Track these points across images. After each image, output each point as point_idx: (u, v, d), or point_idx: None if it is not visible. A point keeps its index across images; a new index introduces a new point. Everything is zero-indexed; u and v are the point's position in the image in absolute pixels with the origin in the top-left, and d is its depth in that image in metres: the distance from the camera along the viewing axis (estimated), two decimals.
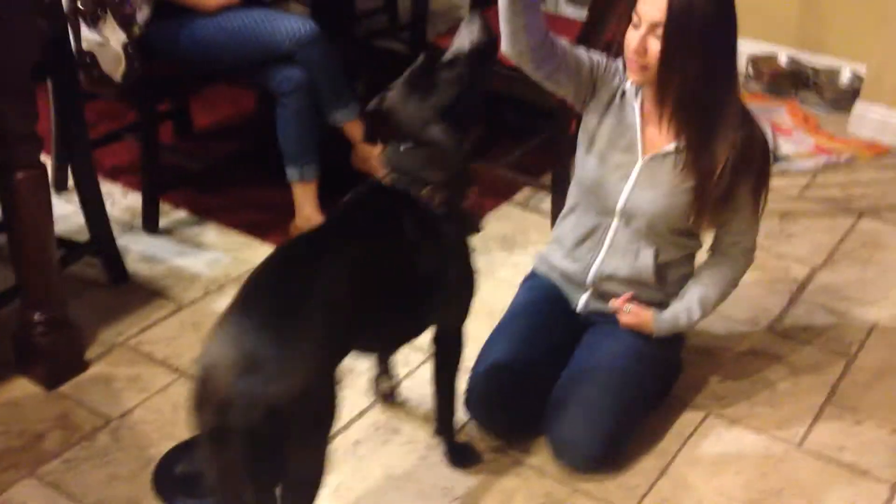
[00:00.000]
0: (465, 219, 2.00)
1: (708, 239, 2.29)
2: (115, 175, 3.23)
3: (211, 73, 2.86)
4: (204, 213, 3.08)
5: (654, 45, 2.01)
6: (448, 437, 2.19)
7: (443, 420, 2.17)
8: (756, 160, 2.11)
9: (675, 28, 1.98)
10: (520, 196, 3.24)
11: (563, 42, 2.13)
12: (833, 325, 2.72)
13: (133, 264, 2.81)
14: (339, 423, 2.25)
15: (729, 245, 2.24)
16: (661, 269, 2.22)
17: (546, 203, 3.10)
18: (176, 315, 2.64)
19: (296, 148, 2.82)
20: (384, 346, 2.04)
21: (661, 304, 2.26)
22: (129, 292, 2.71)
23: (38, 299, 2.32)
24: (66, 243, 2.68)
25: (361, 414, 2.33)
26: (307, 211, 2.89)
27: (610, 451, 2.17)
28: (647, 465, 2.22)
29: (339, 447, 2.21)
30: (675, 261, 2.24)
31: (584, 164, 2.22)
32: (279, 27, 2.72)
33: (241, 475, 1.61)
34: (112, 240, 2.71)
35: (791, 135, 3.68)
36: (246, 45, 2.72)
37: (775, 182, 3.41)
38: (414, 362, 2.48)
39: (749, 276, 2.89)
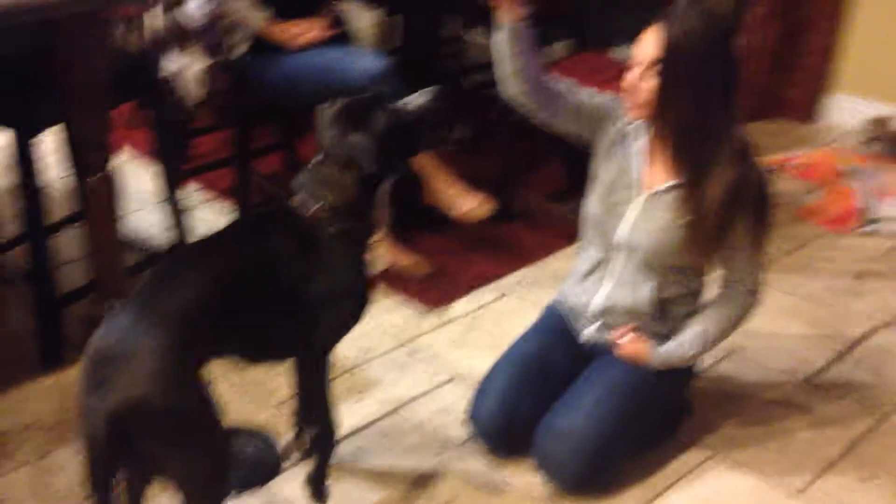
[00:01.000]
0: (357, 244, 2.01)
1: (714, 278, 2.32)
2: (224, 195, 3.58)
3: (295, 106, 3.13)
4: None
5: (648, 83, 2.09)
6: (317, 469, 2.17)
7: (313, 443, 2.16)
8: (751, 199, 2.13)
9: (666, 65, 2.05)
10: None
11: (563, 85, 2.25)
12: (873, 385, 2.64)
13: None
14: (348, 429, 2.43)
15: (731, 284, 2.25)
16: (661, 304, 2.26)
17: None
18: None
19: None
20: (257, 356, 2.04)
21: (664, 340, 2.29)
22: None
23: (106, 292, 2.62)
24: (149, 249, 3.01)
25: (372, 423, 2.47)
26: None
27: (591, 477, 2.22)
28: (634, 494, 2.25)
29: (344, 451, 2.34)
30: (677, 297, 2.28)
31: (590, 201, 2.31)
32: (354, 64, 2.94)
33: (104, 481, 1.73)
34: None
35: (892, 197, 3.58)
36: (323, 79, 2.95)
37: (859, 242, 3.38)
38: (437, 381, 2.62)
39: (798, 329, 2.88)
